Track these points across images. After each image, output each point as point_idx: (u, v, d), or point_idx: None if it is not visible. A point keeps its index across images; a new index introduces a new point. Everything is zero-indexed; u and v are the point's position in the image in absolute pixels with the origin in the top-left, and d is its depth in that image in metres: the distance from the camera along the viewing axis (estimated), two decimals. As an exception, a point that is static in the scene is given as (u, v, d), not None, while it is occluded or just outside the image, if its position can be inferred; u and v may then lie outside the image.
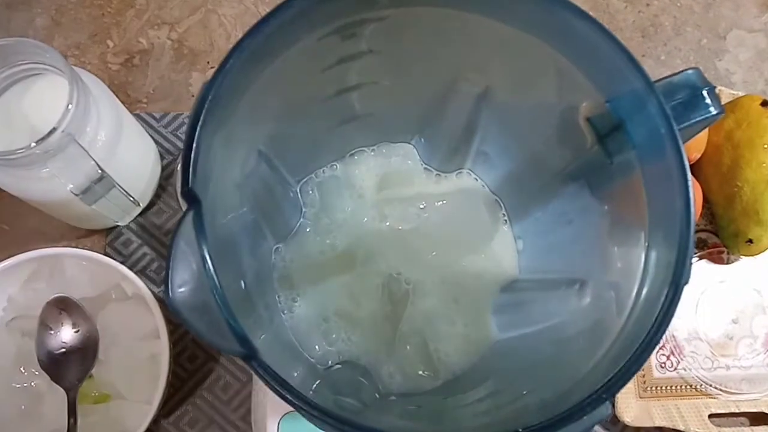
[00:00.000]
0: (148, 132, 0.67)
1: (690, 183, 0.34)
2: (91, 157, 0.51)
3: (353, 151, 0.55)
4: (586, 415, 0.32)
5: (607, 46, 0.36)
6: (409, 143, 0.56)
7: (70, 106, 0.49)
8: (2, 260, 0.56)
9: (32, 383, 0.57)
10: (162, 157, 0.68)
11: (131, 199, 0.59)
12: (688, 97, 0.37)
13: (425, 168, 0.56)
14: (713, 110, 0.37)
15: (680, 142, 0.35)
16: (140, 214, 0.66)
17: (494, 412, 0.41)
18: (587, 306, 0.42)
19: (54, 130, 0.48)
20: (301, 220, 0.53)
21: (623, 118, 0.38)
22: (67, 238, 0.66)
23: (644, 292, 0.36)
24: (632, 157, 0.38)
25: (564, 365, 0.40)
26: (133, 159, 0.60)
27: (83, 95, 0.51)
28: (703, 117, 0.37)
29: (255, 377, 0.51)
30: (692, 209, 0.34)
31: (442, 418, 0.45)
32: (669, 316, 0.33)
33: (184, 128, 0.67)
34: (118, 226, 0.66)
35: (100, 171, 0.52)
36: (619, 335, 0.36)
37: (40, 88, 0.54)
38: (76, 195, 0.52)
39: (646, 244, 0.37)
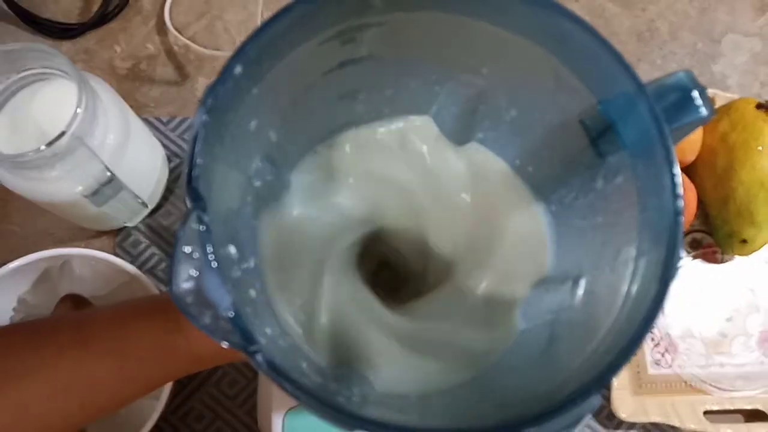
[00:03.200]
0: (155, 135, 0.68)
1: (679, 182, 0.35)
2: (99, 159, 0.52)
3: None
4: (576, 406, 0.33)
5: (598, 49, 0.37)
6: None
7: (78, 110, 0.50)
8: (12, 261, 0.57)
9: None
10: (169, 160, 0.69)
11: (140, 200, 0.60)
12: (678, 99, 0.37)
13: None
14: (704, 111, 0.37)
15: (670, 143, 0.35)
16: (149, 216, 0.67)
17: (491, 406, 0.42)
18: (580, 303, 0.43)
19: (63, 133, 0.49)
20: (303, 218, 0.53)
21: (614, 120, 0.39)
22: (76, 239, 0.67)
23: (634, 288, 0.37)
24: (624, 158, 0.39)
25: (556, 360, 0.41)
26: (141, 161, 0.61)
27: (91, 99, 0.52)
28: (693, 118, 0.37)
29: (260, 373, 0.52)
30: (681, 208, 0.35)
31: (443, 412, 0.45)
32: (657, 312, 0.34)
33: (191, 131, 0.69)
34: (126, 227, 0.67)
35: (108, 173, 0.53)
36: (609, 331, 0.37)
37: (49, 92, 0.55)
38: (86, 197, 0.53)
39: (637, 241, 0.38)
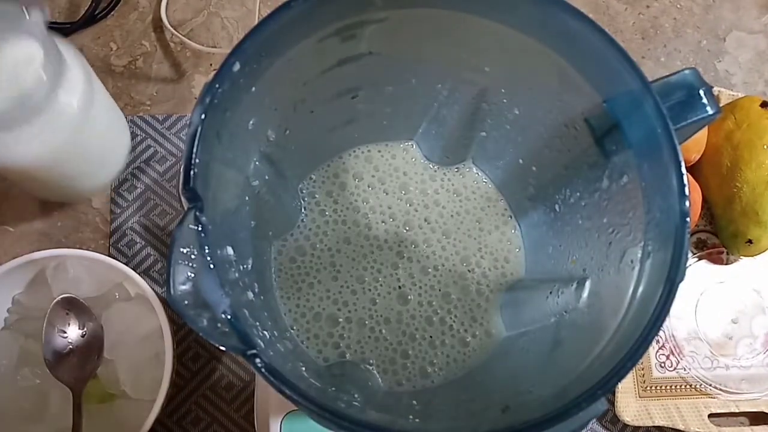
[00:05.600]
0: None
1: (686, 182, 0.35)
2: (62, 122, 0.53)
3: (353, 150, 0.56)
4: (581, 411, 0.32)
5: (603, 47, 0.36)
6: (410, 140, 0.56)
7: (42, 71, 0.50)
8: (6, 262, 0.56)
9: (37, 383, 0.57)
10: (165, 159, 0.68)
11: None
12: (684, 97, 0.37)
13: (427, 164, 0.56)
14: (710, 110, 0.37)
15: (676, 141, 0.35)
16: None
17: (495, 411, 0.41)
18: (585, 304, 0.43)
19: (26, 93, 0.49)
20: (302, 218, 0.53)
21: (619, 118, 0.38)
22: (71, 240, 0.66)
23: (640, 290, 0.37)
24: (629, 157, 0.39)
25: (562, 363, 0.40)
26: (103, 127, 0.61)
27: (57, 61, 0.52)
28: (699, 117, 0.37)
29: (258, 376, 0.51)
30: (687, 208, 0.34)
31: (446, 416, 0.45)
32: (664, 314, 0.34)
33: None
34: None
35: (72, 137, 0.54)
36: (615, 333, 0.36)
37: (15, 53, 0.54)
38: (49, 161, 0.54)
39: (642, 242, 0.38)
